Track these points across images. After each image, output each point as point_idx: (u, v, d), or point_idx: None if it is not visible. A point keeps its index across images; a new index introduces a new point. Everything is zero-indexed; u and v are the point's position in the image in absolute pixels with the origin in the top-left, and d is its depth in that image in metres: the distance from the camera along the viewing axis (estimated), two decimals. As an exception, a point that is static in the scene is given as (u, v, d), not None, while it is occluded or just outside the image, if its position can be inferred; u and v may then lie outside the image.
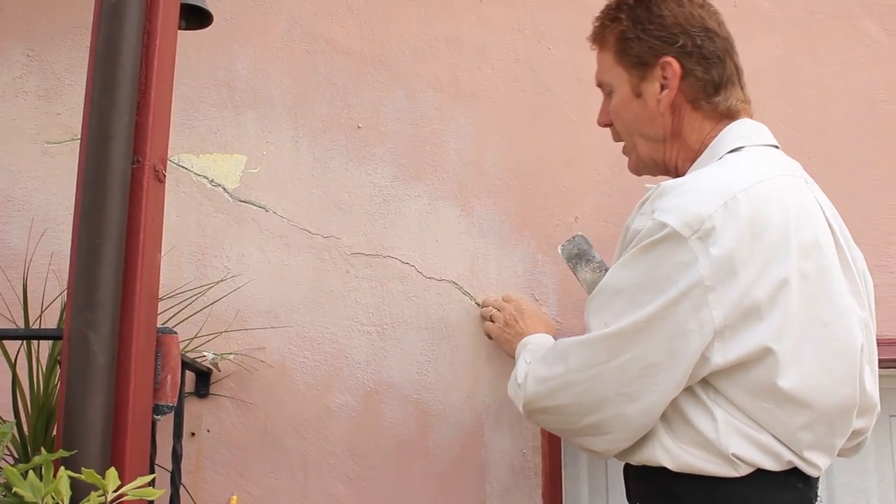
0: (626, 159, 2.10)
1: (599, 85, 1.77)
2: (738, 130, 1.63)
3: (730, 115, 1.65)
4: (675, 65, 1.62)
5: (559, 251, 2.02)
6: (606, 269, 1.93)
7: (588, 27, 2.30)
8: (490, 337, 2.12)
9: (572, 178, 2.26)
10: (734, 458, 1.46)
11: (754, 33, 2.25)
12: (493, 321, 2.11)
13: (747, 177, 1.50)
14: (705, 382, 1.49)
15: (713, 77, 1.63)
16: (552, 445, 2.13)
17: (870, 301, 1.63)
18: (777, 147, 1.65)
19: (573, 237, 2.00)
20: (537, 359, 1.64)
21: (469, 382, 2.16)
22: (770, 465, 1.48)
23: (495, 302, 2.14)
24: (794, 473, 1.52)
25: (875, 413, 1.61)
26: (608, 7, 1.72)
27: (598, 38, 1.74)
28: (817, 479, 1.58)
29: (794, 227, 1.48)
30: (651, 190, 1.57)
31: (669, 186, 1.53)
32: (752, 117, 1.67)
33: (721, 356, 1.44)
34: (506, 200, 2.25)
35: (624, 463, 1.70)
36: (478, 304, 2.19)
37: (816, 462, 1.51)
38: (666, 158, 1.69)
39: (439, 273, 2.21)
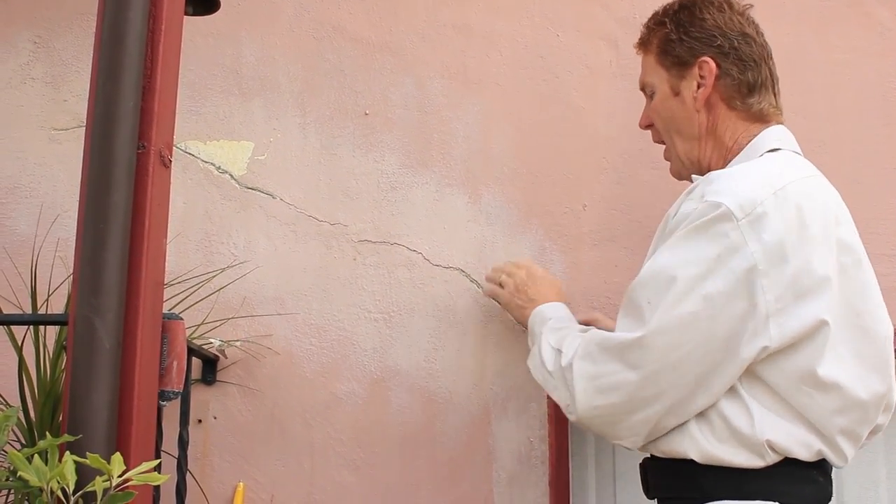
0: (634, 146, 2.08)
1: (642, 88, 1.84)
2: (776, 134, 1.71)
3: (762, 119, 1.73)
4: (712, 63, 1.71)
5: None
6: None
7: (596, 14, 2.31)
8: (498, 301, 2.04)
9: (580, 166, 2.24)
10: (767, 447, 1.50)
11: (765, 20, 2.22)
12: (502, 286, 2.02)
13: (792, 172, 1.59)
14: (745, 371, 1.52)
15: (748, 78, 1.72)
16: (559, 433, 2.13)
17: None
18: (801, 155, 1.72)
19: None
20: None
21: (476, 370, 2.16)
22: (801, 453, 1.52)
23: (505, 267, 2.06)
24: (816, 467, 1.57)
25: (892, 410, 1.65)
26: (655, 14, 1.82)
27: (644, 43, 1.82)
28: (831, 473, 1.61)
29: (833, 223, 1.57)
30: (698, 179, 1.63)
31: (720, 174, 1.61)
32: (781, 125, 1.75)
33: (778, 334, 1.48)
34: (514, 188, 2.24)
35: (642, 457, 1.70)
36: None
37: (844, 450, 1.57)
38: (701, 156, 1.75)
39: (447, 261, 2.21)
